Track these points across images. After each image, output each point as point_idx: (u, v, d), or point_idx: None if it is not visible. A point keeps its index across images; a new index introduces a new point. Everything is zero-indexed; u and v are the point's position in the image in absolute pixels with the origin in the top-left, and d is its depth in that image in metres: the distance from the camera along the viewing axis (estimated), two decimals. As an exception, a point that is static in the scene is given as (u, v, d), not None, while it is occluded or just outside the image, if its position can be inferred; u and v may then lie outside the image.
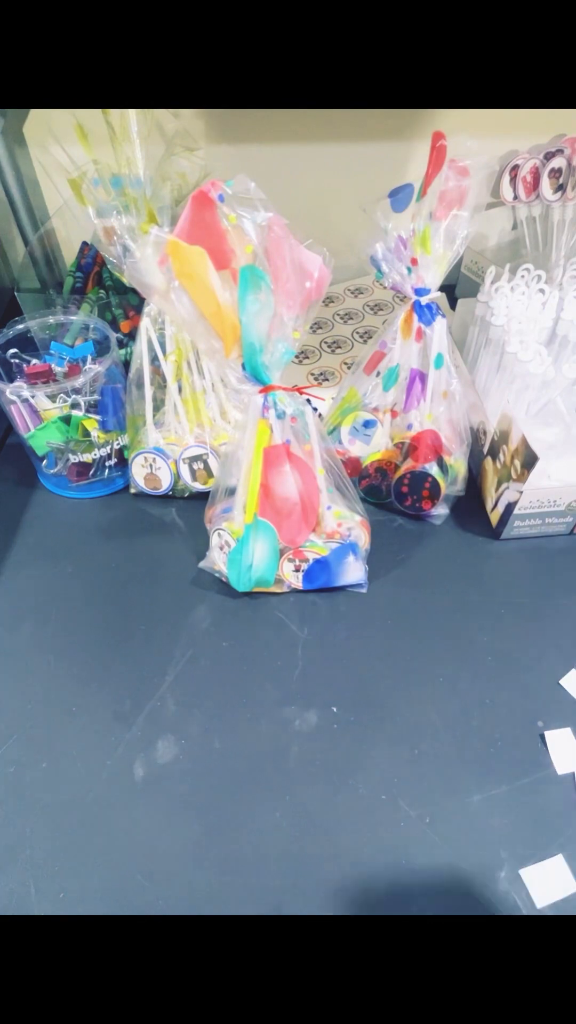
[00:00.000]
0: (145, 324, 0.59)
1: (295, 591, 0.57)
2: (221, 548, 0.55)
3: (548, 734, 0.47)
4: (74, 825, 0.44)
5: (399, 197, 0.53)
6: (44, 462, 0.65)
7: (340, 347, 0.79)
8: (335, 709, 0.49)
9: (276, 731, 0.48)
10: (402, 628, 0.54)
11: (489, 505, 0.62)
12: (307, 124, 0.78)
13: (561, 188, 0.69)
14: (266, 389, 0.49)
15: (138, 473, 0.64)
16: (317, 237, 0.48)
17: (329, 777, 0.46)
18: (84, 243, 0.81)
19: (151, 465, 0.63)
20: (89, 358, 0.63)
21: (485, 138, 0.73)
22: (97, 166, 0.57)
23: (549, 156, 0.68)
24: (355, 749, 0.47)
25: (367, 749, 0.47)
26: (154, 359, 0.60)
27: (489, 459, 0.61)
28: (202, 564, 0.58)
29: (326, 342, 0.80)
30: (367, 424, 0.62)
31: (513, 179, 0.71)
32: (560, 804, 0.45)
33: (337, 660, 0.52)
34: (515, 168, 0.70)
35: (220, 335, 0.46)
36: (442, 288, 0.57)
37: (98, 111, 0.55)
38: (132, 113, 0.54)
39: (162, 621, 0.55)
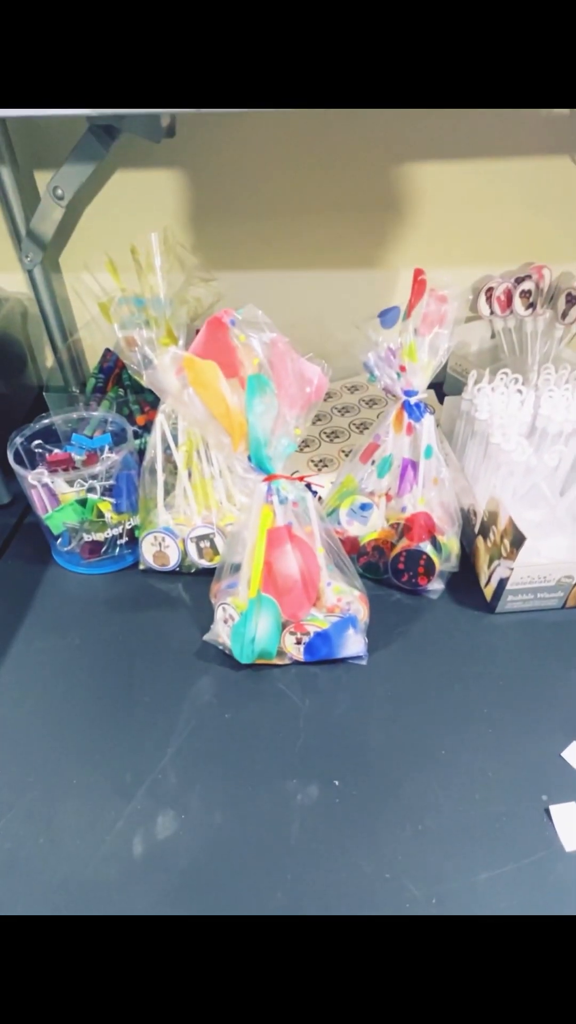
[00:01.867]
0: (160, 418, 0.62)
1: (296, 663, 0.57)
2: (225, 621, 0.56)
3: (553, 808, 0.47)
4: (69, 906, 0.43)
5: (387, 317, 0.57)
6: (59, 540, 0.66)
7: (338, 436, 0.82)
8: (337, 783, 0.48)
9: (278, 805, 0.47)
10: (402, 700, 0.54)
11: (483, 580, 0.62)
12: (308, 254, 0.87)
13: (532, 306, 0.76)
14: (270, 478, 0.51)
15: (148, 551, 0.65)
16: (317, 343, 0.52)
17: (332, 854, 0.45)
18: (107, 349, 0.86)
19: (160, 543, 0.65)
20: (107, 448, 0.65)
21: (460, 266, 0.83)
22: (124, 293, 0.61)
23: (519, 280, 0.77)
24: (358, 825, 0.46)
25: (370, 824, 0.46)
26: (167, 448, 0.63)
27: (480, 538, 0.63)
28: (206, 637, 0.58)
29: (325, 432, 0.83)
30: (364, 507, 0.64)
31: (488, 298, 0.78)
32: (570, 883, 0.43)
33: (338, 732, 0.52)
34: (490, 289, 0.78)
35: (229, 432, 0.48)
36: (430, 385, 0.60)
37: (126, 248, 0.59)
38: (156, 249, 0.60)
39: (166, 693, 0.55)
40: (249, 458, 0.50)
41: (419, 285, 0.56)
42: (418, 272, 0.56)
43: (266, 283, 0.88)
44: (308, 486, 0.57)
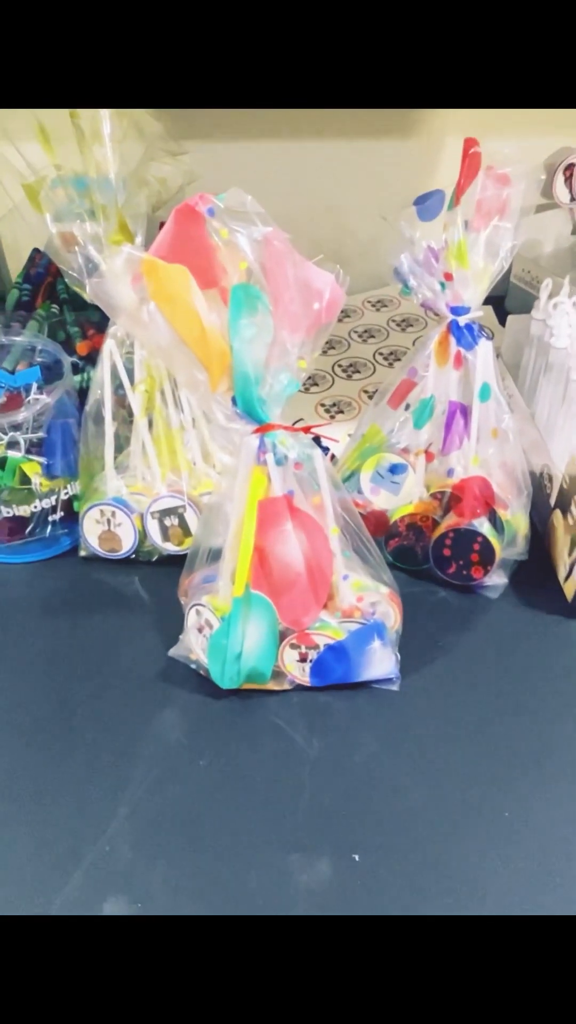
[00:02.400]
0: (109, 346, 0.61)
1: (301, 688, 0.56)
2: (200, 630, 0.55)
3: None
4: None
5: (427, 205, 0.56)
6: (-34, 516, 0.66)
7: (358, 372, 0.82)
8: (357, 857, 0.47)
9: (273, 890, 0.46)
10: (448, 741, 0.53)
11: (562, 573, 0.61)
12: (311, 117, 0.85)
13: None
14: (263, 428, 0.50)
15: (91, 530, 0.65)
16: (329, 243, 0.51)
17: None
18: (35, 250, 0.84)
19: (109, 520, 0.64)
20: (34, 386, 0.65)
21: (528, 135, 0.80)
22: (60, 172, 0.60)
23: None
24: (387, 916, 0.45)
25: (403, 915, 0.45)
26: (118, 388, 0.62)
27: (559, 513, 0.62)
28: (173, 651, 0.58)
29: (340, 365, 0.82)
30: (395, 469, 0.63)
31: (568, 179, 0.75)
32: None
33: (359, 786, 0.51)
34: (571, 167, 0.74)
35: (205, 364, 0.48)
36: (487, 300, 0.59)
37: (64, 112, 0.59)
38: (105, 113, 0.58)
39: (117, 730, 0.54)
40: (234, 401, 0.49)
41: (471, 160, 0.55)
42: (470, 143, 0.55)
43: (257, 158, 0.86)
44: (317, 440, 0.56)
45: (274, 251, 0.47)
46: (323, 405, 0.78)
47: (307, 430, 0.53)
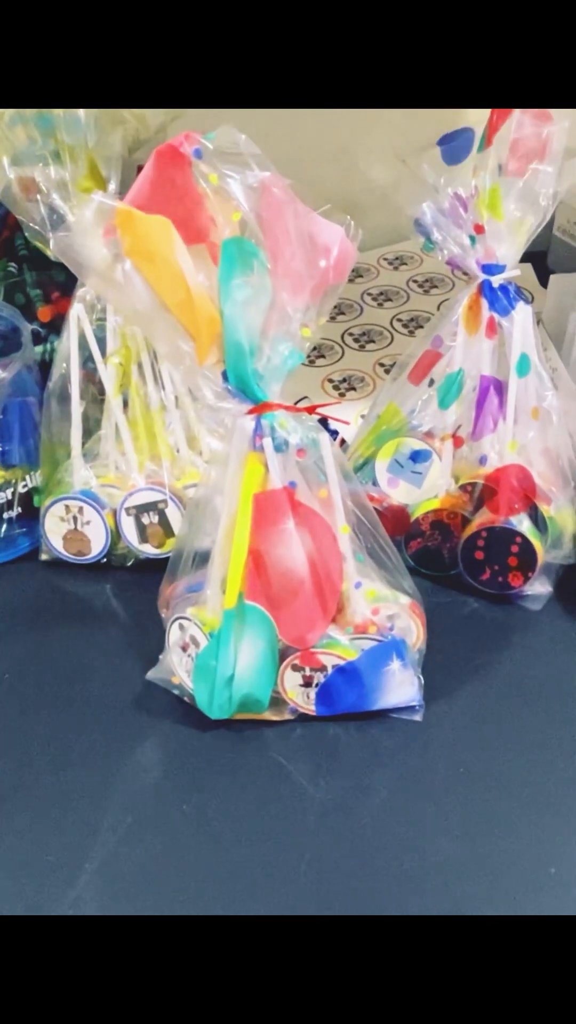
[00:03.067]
0: (76, 311, 0.61)
1: (305, 719, 0.56)
2: (184, 648, 0.55)
3: None
4: None
5: (454, 145, 0.57)
6: None
7: (373, 341, 0.82)
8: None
9: None
10: (482, 783, 0.53)
11: None
12: None
13: None
14: (260, 408, 0.51)
15: (55, 530, 0.65)
16: (338, 191, 0.52)
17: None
18: None
19: (75, 518, 0.64)
20: None
21: None
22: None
23: None
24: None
25: None
26: (87, 361, 0.62)
27: None
28: (151, 674, 0.58)
29: (351, 334, 0.83)
30: (416, 456, 0.63)
31: None
32: None
33: (374, 837, 0.50)
34: None
35: (191, 332, 0.48)
36: (525, 257, 0.60)
37: None
38: None
39: (84, 768, 0.54)
40: (225, 376, 0.50)
41: None
42: None
43: None
44: (324, 423, 0.57)
45: (273, 199, 0.47)
46: (331, 381, 0.78)
47: (312, 410, 0.53)
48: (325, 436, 0.52)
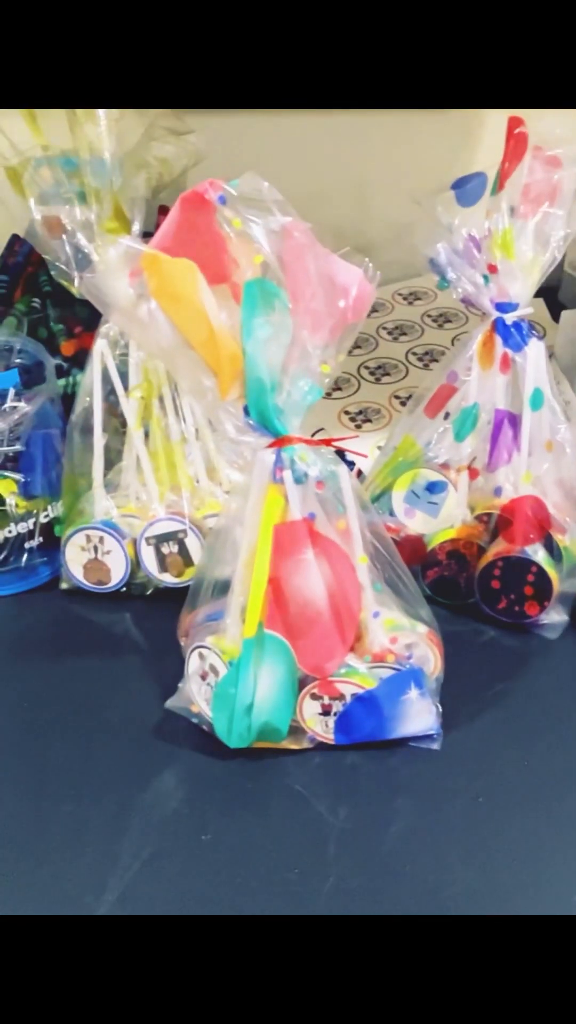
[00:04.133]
0: (100, 346, 0.62)
1: (324, 748, 0.56)
2: (203, 677, 0.55)
3: None
4: None
5: (467, 189, 0.58)
6: None
7: (388, 374, 0.82)
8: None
9: None
10: (503, 812, 0.53)
11: None
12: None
13: None
14: (280, 442, 0.51)
15: (75, 559, 0.65)
16: (353, 228, 0.53)
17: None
18: (15, 236, 0.85)
19: (96, 547, 0.65)
20: (11, 392, 0.65)
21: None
22: (46, 151, 0.62)
23: None
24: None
25: None
26: (110, 394, 0.63)
27: None
28: (171, 703, 0.58)
29: (367, 367, 0.83)
30: (433, 487, 0.63)
31: None
32: None
33: (395, 864, 0.50)
34: None
35: (213, 369, 0.49)
36: (538, 293, 0.60)
37: None
38: None
39: (103, 797, 0.54)
40: (246, 411, 0.50)
41: (517, 141, 0.56)
42: (514, 123, 0.57)
43: (273, 133, 0.87)
44: (341, 455, 0.57)
45: (294, 243, 0.48)
46: (347, 413, 0.78)
47: (329, 443, 0.53)
48: (343, 468, 0.53)
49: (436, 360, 0.83)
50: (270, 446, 0.51)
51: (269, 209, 0.48)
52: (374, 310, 0.90)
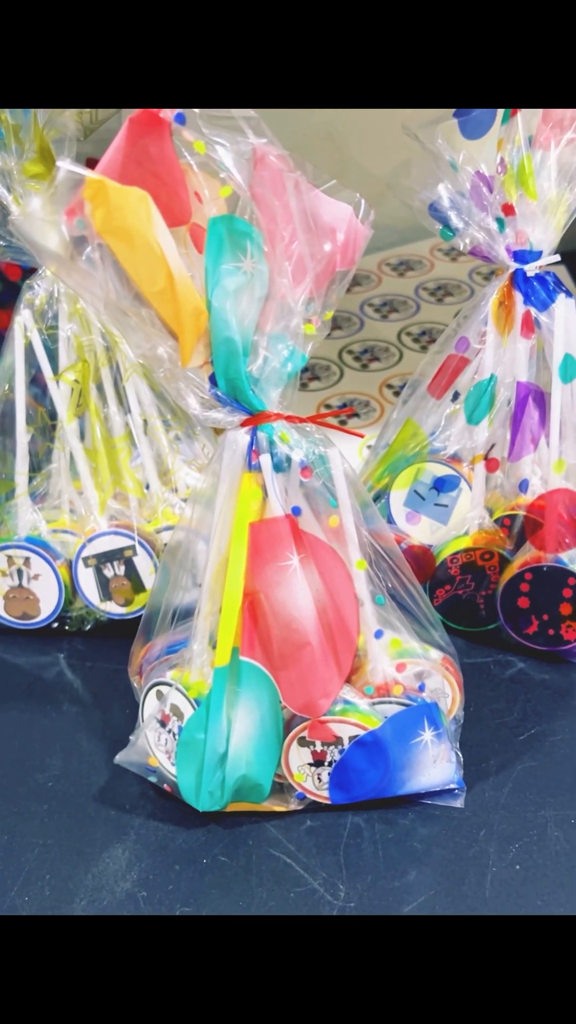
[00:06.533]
0: (22, 320, 0.63)
1: (316, 807, 0.56)
2: (164, 722, 0.55)
3: None
4: None
5: (473, 117, 0.59)
6: None
7: (377, 359, 0.83)
8: None
9: None
10: (544, 880, 0.53)
11: None
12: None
13: None
14: (255, 419, 0.51)
15: None
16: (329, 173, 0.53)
17: None
18: None
19: (20, 571, 0.65)
20: None
21: None
22: None
23: None
24: None
25: None
26: (33, 382, 0.64)
27: None
28: (121, 758, 0.58)
29: (351, 351, 0.84)
30: (441, 485, 0.64)
31: None
32: None
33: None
34: None
35: (172, 328, 0.49)
36: (562, 255, 0.61)
37: None
38: None
39: (35, 880, 0.54)
40: (214, 380, 0.50)
41: None
42: None
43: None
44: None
45: (269, 171, 0.48)
46: (329, 406, 0.79)
47: (317, 420, 0.53)
48: (335, 451, 0.53)
49: (435, 341, 0.82)
50: (243, 424, 0.51)
51: (239, 128, 0.48)
52: (356, 283, 0.90)
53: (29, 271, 0.65)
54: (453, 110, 0.61)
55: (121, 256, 0.48)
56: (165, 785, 0.56)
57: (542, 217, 0.59)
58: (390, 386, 0.80)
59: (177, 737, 0.54)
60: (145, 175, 0.48)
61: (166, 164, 0.48)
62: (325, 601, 0.53)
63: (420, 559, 0.64)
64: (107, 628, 0.65)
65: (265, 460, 0.51)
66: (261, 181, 0.48)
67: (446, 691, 0.56)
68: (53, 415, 0.64)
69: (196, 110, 0.49)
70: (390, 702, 0.54)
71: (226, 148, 0.47)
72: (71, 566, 0.64)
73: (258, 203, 0.48)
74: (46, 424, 0.65)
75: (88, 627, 0.66)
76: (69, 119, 0.63)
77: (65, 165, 0.54)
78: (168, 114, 0.48)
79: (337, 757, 0.54)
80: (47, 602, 0.65)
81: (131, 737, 0.57)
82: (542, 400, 0.61)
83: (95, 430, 0.64)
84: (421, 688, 0.55)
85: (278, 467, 0.52)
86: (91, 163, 0.63)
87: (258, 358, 0.50)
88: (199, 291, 0.48)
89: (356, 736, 0.53)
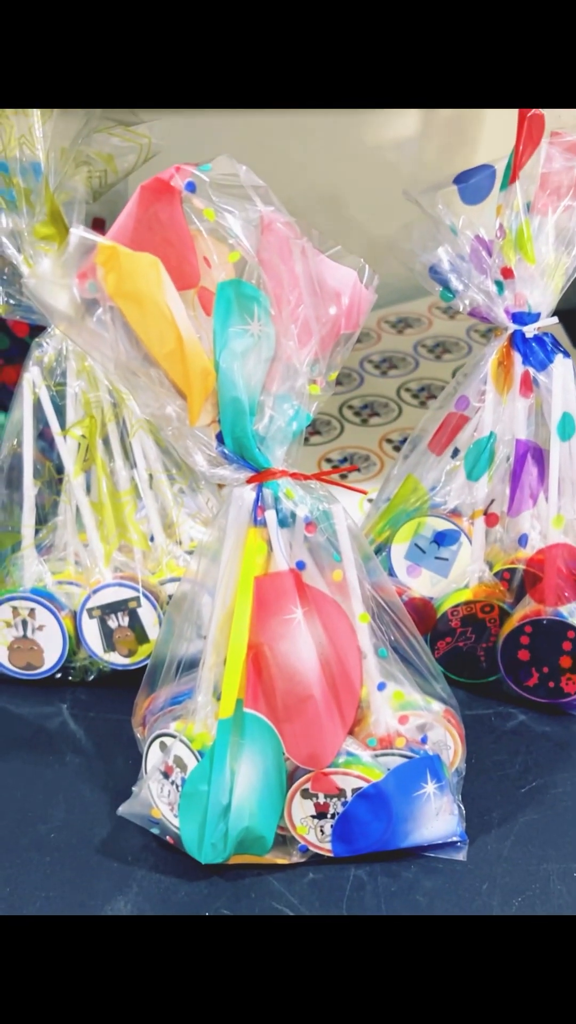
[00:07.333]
0: (31, 377, 0.64)
1: (319, 860, 0.56)
2: (167, 773, 0.55)
3: None
4: None
5: (473, 183, 0.60)
6: None
7: (377, 414, 0.84)
8: None
9: None
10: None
11: None
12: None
13: None
14: (261, 476, 0.52)
15: None
16: (331, 237, 0.54)
17: None
18: None
19: (25, 622, 0.65)
20: None
21: None
22: None
23: None
24: None
25: None
26: (40, 436, 0.65)
27: None
28: (124, 809, 0.58)
29: (351, 406, 0.84)
30: (442, 539, 0.64)
31: None
32: None
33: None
34: None
35: (181, 388, 0.50)
36: (559, 313, 0.62)
37: None
38: None
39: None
40: (221, 439, 0.51)
41: (531, 124, 0.58)
42: (527, 110, 0.58)
43: (232, 130, 0.89)
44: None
45: (276, 237, 0.49)
46: (329, 460, 0.79)
47: (321, 477, 0.54)
48: (339, 507, 0.53)
49: (434, 396, 0.84)
50: (249, 481, 0.51)
51: (247, 197, 0.48)
52: (356, 340, 0.90)
53: (36, 328, 0.66)
54: (455, 177, 0.61)
55: (131, 318, 0.49)
56: (168, 837, 0.55)
57: (540, 280, 0.59)
58: (389, 440, 0.80)
59: (180, 789, 0.53)
60: (156, 240, 0.49)
61: (176, 230, 0.49)
62: (329, 654, 0.53)
63: (421, 611, 0.64)
64: (111, 678, 0.65)
65: (270, 516, 0.52)
66: (268, 247, 0.49)
67: (448, 743, 0.55)
68: (60, 469, 0.64)
69: (206, 178, 0.49)
70: (393, 754, 0.54)
71: (235, 215, 0.48)
72: (75, 617, 0.64)
73: (265, 268, 0.49)
74: (53, 478, 0.65)
75: (92, 677, 0.66)
76: (79, 182, 0.64)
77: (78, 231, 0.56)
78: (179, 182, 0.49)
79: (340, 809, 0.54)
80: (51, 653, 0.65)
81: (134, 788, 0.57)
82: (540, 457, 0.61)
83: (101, 484, 0.64)
84: (423, 740, 0.55)
85: (283, 522, 0.52)
86: (97, 223, 0.64)
87: (264, 417, 0.51)
88: (207, 352, 0.49)
89: (359, 788, 0.53)
